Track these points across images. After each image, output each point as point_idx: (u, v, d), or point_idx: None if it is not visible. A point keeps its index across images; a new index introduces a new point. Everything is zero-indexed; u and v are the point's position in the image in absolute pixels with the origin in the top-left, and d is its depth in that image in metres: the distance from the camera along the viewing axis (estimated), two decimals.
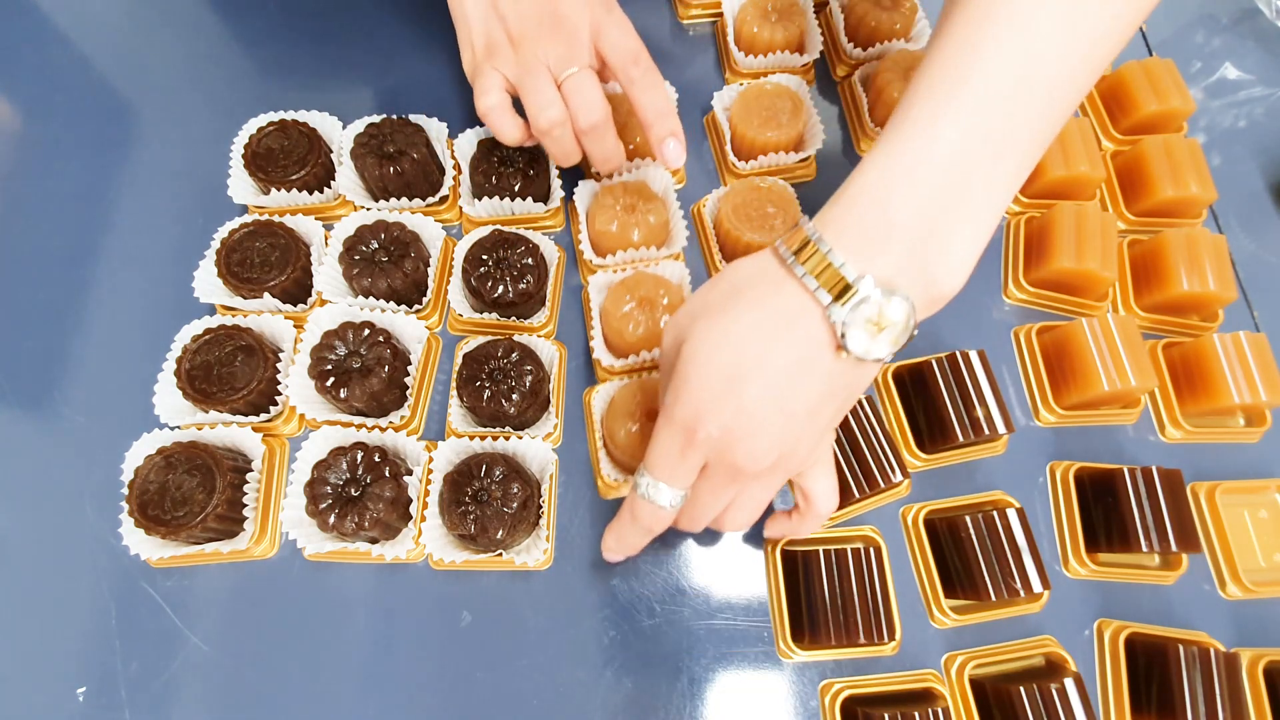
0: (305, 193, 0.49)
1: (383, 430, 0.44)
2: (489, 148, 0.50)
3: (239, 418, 0.44)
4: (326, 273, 0.47)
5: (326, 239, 0.48)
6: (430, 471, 0.42)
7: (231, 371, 0.44)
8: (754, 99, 0.52)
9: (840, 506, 0.44)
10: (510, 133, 0.44)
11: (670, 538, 0.44)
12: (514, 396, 0.43)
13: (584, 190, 0.50)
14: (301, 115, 0.52)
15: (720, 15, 0.58)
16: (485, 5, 0.42)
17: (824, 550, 0.42)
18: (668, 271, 0.48)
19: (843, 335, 0.30)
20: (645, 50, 0.43)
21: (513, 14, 0.42)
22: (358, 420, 0.45)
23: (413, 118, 0.51)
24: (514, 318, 0.47)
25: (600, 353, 0.46)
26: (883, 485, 0.43)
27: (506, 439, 0.44)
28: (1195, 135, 0.59)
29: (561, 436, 0.46)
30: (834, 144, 0.56)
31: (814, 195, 0.54)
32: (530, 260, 0.46)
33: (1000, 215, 0.31)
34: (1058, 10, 0.30)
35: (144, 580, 0.43)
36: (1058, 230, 0.49)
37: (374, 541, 0.42)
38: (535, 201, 0.49)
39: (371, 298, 0.47)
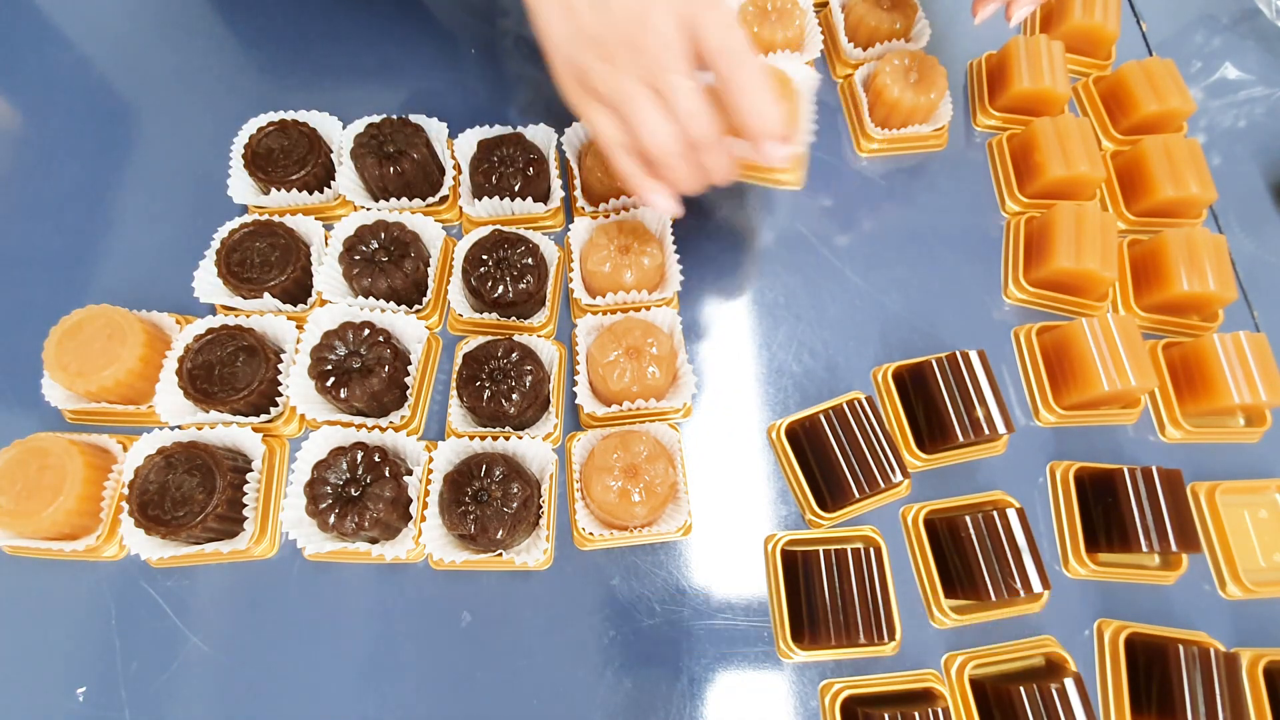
0: (305, 193, 0.49)
1: (383, 430, 0.44)
2: (489, 147, 0.50)
3: (239, 418, 0.44)
4: (326, 273, 0.47)
5: (326, 239, 0.48)
6: (430, 471, 0.42)
7: (233, 372, 0.44)
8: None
9: (840, 506, 0.44)
10: (664, 205, 0.39)
11: (670, 539, 0.44)
12: (514, 396, 0.43)
13: (579, 227, 0.49)
14: (301, 115, 0.52)
15: None
16: (568, 27, 0.37)
17: (824, 550, 0.42)
18: (659, 318, 0.47)
19: None
20: (742, 45, 0.36)
21: (596, 30, 0.36)
22: (358, 420, 0.45)
23: (413, 118, 0.51)
24: (514, 318, 0.47)
25: (584, 399, 0.44)
26: (883, 485, 0.43)
27: (506, 439, 0.44)
28: (1195, 135, 0.59)
29: (561, 436, 0.46)
30: (833, 144, 0.56)
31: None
32: (530, 260, 0.46)
33: None
34: None
35: (144, 580, 0.43)
36: (1058, 230, 0.49)
37: (374, 541, 0.42)
38: (535, 201, 0.49)
39: (371, 298, 0.47)
